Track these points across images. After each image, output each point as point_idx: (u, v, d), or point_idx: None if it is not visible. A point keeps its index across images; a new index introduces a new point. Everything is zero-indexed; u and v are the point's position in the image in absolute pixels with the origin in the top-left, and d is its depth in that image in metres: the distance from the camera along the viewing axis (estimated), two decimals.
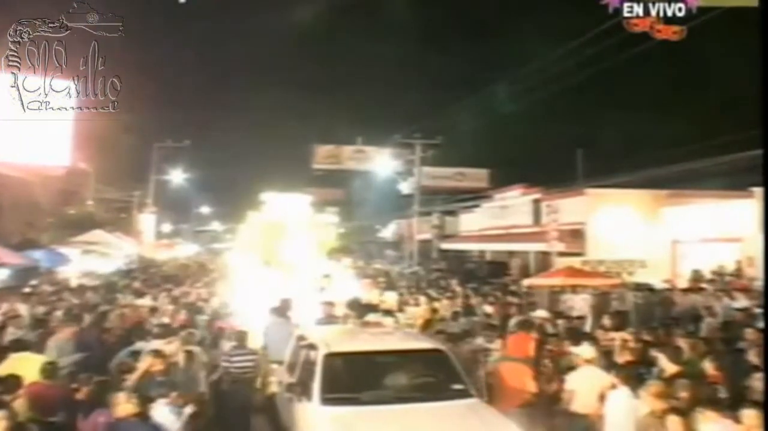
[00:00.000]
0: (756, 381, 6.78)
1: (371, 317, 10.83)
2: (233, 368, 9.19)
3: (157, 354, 7.87)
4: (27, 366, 7.64)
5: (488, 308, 14.27)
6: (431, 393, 7.47)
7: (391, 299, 14.92)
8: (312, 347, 8.20)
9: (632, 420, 6.49)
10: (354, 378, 7.64)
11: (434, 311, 13.47)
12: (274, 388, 9.49)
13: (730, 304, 14.08)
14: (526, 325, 10.11)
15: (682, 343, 8.73)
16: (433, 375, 7.85)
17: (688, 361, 7.91)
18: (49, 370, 7.59)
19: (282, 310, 11.11)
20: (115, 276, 22.39)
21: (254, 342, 10.43)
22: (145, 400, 6.43)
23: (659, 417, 6.03)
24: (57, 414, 6.69)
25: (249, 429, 9.12)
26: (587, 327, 13.08)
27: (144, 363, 7.76)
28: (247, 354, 9.43)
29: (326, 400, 7.14)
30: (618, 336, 9.95)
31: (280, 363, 9.46)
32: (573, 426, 7.60)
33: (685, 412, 5.93)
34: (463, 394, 7.42)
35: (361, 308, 11.62)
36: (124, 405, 6.11)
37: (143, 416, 6.26)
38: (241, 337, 9.78)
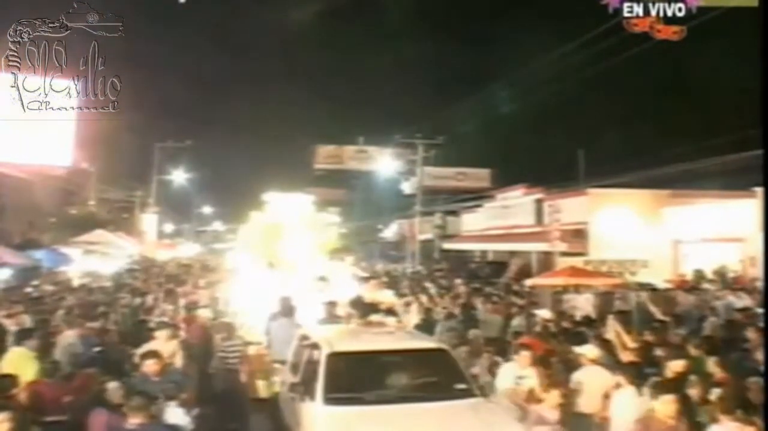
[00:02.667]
0: (755, 384, 6.77)
1: (374, 317, 10.77)
2: (224, 357, 9.72)
3: (153, 354, 7.90)
4: (25, 365, 7.69)
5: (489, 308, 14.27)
6: (434, 392, 7.45)
7: (388, 297, 14.79)
8: (315, 346, 8.16)
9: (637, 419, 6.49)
10: (357, 377, 7.60)
11: (428, 311, 13.47)
12: (276, 387, 9.48)
13: (731, 303, 14.06)
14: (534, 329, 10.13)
15: (686, 342, 8.73)
16: (436, 374, 7.82)
17: (693, 360, 7.90)
18: (49, 369, 7.62)
19: (285, 310, 11.10)
20: (118, 276, 22.42)
21: (254, 338, 10.64)
22: (153, 401, 6.43)
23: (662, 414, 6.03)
24: (60, 413, 6.70)
25: (243, 413, 9.18)
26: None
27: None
28: (235, 345, 9.88)
29: (329, 400, 7.10)
30: (612, 327, 9.94)
31: (283, 362, 9.46)
32: (578, 426, 7.59)
33: (689, 410, 5.93)
34: (467, 393, 7.39)
35: (363, 308, 11.57)
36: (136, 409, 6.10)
37: (156, 419, 6.26)
38: (228, 329, 10.29)
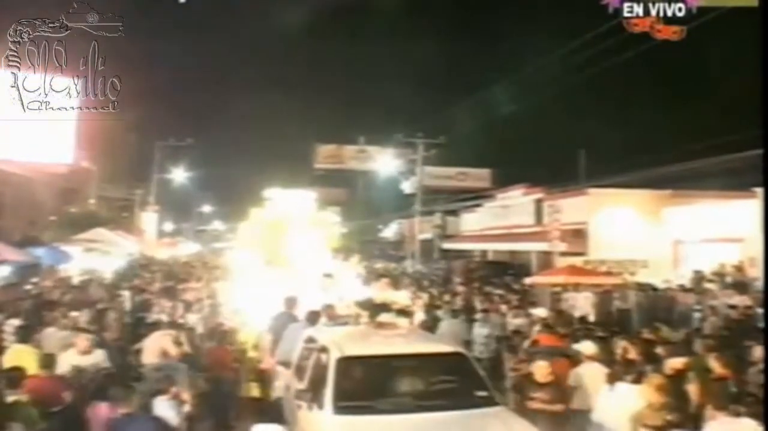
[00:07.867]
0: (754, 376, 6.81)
1: (385, 316, 10.34)
2: None
3: (173, 338, 7.92)
4: (26, 361, 7.72)
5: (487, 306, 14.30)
6: (452, 400, 6.83)
7: (401, 298, 14.36)
8: (323, 350, 7.56)
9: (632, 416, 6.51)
10: (369, 384, 7.08)
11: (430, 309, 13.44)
12: (279, 393, 8.95)
13: (729, 302, 14.11)
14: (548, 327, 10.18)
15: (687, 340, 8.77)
16: (454, 380, 7.26)
17: (695, 357, 7.92)
18: (48, 362, 7.66)
19: (289, 309, 10.83)
20: (117, 274, 22.46)
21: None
22: (147, 395, 6.49)
23: (657, 410, 6.05)
24: (60, 406, 6.75)
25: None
26: None
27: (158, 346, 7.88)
28: None
29: (339, 408, 6.53)
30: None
31: (287, 365, 8.90)
32: (575, 422, 7.60)
33: (687, 408, 5.95)
34: (488, 401, 6.85)
35: (374, 308, 11.07)
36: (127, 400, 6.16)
37: (146, 411, 6.31)
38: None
